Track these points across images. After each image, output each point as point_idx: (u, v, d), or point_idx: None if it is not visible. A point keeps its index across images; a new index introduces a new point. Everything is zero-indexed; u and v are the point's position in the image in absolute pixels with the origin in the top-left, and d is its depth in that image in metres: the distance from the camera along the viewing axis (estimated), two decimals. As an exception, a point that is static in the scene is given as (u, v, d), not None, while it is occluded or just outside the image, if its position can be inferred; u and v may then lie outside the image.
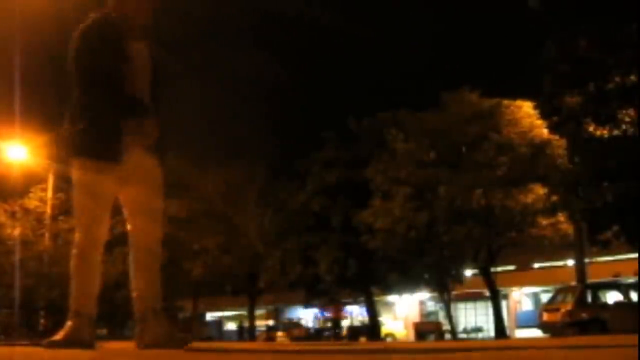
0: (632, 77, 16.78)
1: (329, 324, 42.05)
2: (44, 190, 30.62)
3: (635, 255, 20.31)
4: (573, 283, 22.98)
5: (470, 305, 41.60)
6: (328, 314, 41.72)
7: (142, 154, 3.77)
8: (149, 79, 3.83)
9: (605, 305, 18.60)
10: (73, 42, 3.72)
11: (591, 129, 17.61)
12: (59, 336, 3.61)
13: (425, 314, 43.77)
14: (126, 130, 3.64)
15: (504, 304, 34.51)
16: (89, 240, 3.78)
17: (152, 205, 3.87)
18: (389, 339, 32.92)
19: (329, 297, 33.88)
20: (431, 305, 43.86)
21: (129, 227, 3.91)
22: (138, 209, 3.86)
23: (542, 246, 26.07)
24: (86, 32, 3.70)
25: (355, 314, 42.82)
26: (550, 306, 19.32)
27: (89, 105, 3.66)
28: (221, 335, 49.11)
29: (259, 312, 43.34)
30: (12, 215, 29.41)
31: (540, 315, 19.88)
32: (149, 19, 3.87)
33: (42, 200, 30.54)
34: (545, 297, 32.60)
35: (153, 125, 3.72)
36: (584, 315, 17.49)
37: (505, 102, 25.41)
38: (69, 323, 3.66)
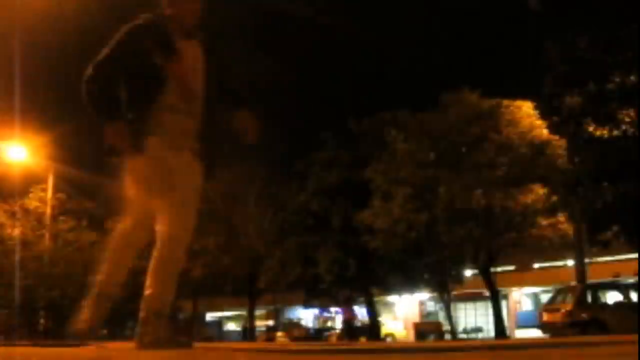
0: (632, 77, 16.77)
1: (329, 324, 42.07)
2: (44, 190, 30.63)
3: (635, 255, 20.31)
4: (573, 283, 22.99)
5: (470, 305, 41.61)
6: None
7: (187, 158, 3.75)
8: (200, 79, 3.78)
9: (605, 306, 18.58)
10: (118, 37, 3.70)
11: (591, 129, 17.60)
12: (84, 323, 3.63)
13: (425, 314, 43.77)
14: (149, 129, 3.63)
15: (504, 304, 34.53)
16: (130, 224, 3.80)
17: (184, 211, 3.81)
18: (388, 339, 32.92)
19: (330, 297, 33.88)
20: (431, 306, 43.87)
21: (157, 227, 3.85)
22: (168, 212, 3.79)
23: (542, 246, 26.04)
24: (132, 29, 3.69)
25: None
26: (550, 306, 19.31)
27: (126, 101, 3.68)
28: (221, 335, 49.10)
29: (258, 312, 43.35)
30: (12, 215, 29.42)
31: (540, 316, 19.87)
32: (198, 19, 3.82)
33: (42, 201, 30.55)
34: (545, 298, 32.62)
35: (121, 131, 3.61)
36: (584, 315, 17.48)
37: (505, 102, 25.40)
38: (92, 306, 3.73)
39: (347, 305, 33.22)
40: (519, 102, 25.13)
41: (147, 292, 3.79)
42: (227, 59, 4.02)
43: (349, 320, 32.22)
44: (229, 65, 4.02)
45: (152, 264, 3.82)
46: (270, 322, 45.73)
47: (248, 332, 39.97)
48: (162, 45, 3.64)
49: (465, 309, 42.16)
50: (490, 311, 28.87)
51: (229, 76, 3.98)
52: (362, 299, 34.08)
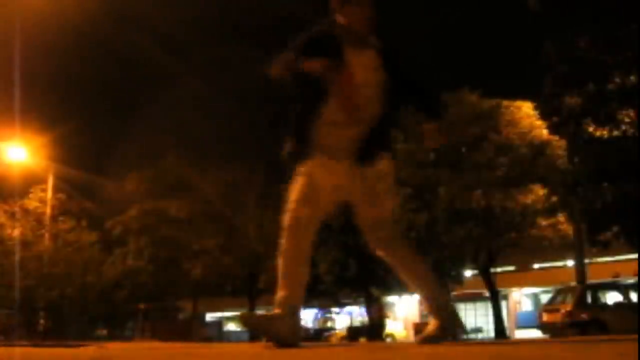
0: (632, 78, 16.77)
1: (328, 324, 42.02)
2: (44, 190, 30.70)
3: (635, 255, 20.30)
4: (573, 283, 22.97)
5: (470, 305, 41.61)
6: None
7: (345, 167, 3.85)
8: (371, 87, 3.72)
9: (605, 306, 18.58)
10: (290, 47, 3.74)
11: (591, 129, 17.60)
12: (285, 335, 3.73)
13: (425, 315, 43.68)
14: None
15: (503, 304, 34.52)
16: (300, 223, 3.90)
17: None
18: (388, 340, 32.90)
19: (330, 298, 33.78)
20: (431, 306, 43.85)
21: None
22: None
23: (541, 247, 26.04)
24: (303, 41, 3.72)
25: (354, 314, 42.85)
26: (550, 307, 19.31)
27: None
28: (221, 336, 49.06)
29: (259, 312, 43.33)
30: (12, 215, 29.46)
31: (540, 316, 19.87)
32: (370, 26, 3.78)
33: (42, 201, 30.61)
34: (545, 298, 32.60)
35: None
36: (584, 315, 17.48)
37: (505, 102, 25.40)
38: (288, 322, 3.80)
39: (376, 302, 31.29)
40: (518, 103, 25.14)
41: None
42: (408, 64, 3.99)
43: (380, 318, 30.37)
44: (409, 71, 3.97)
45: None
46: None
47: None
48: (330, 58, 3.60)
49: (465, 309, 42.15)
50: (490, 311, 28.86)
51: (409, 81, 3.95)
52: (361, 299, 34.08)
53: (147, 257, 33.20)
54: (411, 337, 34.97)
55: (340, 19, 3.76)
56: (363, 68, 3.68)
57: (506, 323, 30.20)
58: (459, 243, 24.74)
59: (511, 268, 36.28)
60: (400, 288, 31.90)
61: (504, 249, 26.56)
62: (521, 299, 41.07)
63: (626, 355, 2.71)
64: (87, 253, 31.87)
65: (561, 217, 23.53)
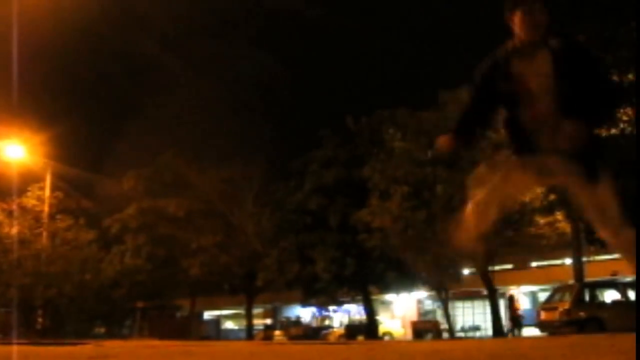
0: (630, 76, 16.79)
1: (326, 323, 42.02)
2: (42, 189, 30.66)
3: (633, 254, 20.29)
4: (571, 282, 23.00)
5: (468, 304, 41.60)
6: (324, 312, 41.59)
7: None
8: (547, 94, 3.84)
9: (602, 304, 18.61)
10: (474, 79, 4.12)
11: (589, 127, 17.59)
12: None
13: (422, 313, 43.75)
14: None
15: (501, 302, 34.56)
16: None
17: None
18: (386, 338, 32.94)
19: (328, 296, 33.79)
20: (429, 304, 43.85)
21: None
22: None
23: (539, 245, 26.06)
24: (480, 69, 4.08)
25: (352, 312, 42.85)
26: (547, 305, 19.33)
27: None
28: (219, 334, 49.04)
29: (256, 310, 43.33)
30: (10, 214, 29.42)
31: (538, 314, 19.90)
32: (543, 33, 3.93)
33: (40, 199, 30.57)
34: (542, 296, 32.62)
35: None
36: (582, 314, 17.51)
37: (503, 100, 25.39)
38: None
39: (510, 297, 27.97)
40: (516, 101, 25.13)
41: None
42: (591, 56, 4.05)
43: (515, 314, 26.02)
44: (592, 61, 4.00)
45: None
46: (268, 321, 45.71)
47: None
48: (501, 75, 3.97)
49: (463, 307, 42.13)
50: (488, 310, 28.89)
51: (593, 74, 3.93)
52: (359, 297, 34.11)
53: (145, 255, 33.17)
54: (409, 335, 34.99)
55: (516, 31, 4.01)
56: (535, 75, 3.87)
57: (504, 321, 30.24)
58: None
59: (509, 266, 36.29)
60: (398, 286, 32.01)
61: (501, 247, 26.56)
62: (519, 297, 41.07)
63: (624, 353, 2.71)
64: (85, 251, 31.85)
65: (559, 215, 23.53)
